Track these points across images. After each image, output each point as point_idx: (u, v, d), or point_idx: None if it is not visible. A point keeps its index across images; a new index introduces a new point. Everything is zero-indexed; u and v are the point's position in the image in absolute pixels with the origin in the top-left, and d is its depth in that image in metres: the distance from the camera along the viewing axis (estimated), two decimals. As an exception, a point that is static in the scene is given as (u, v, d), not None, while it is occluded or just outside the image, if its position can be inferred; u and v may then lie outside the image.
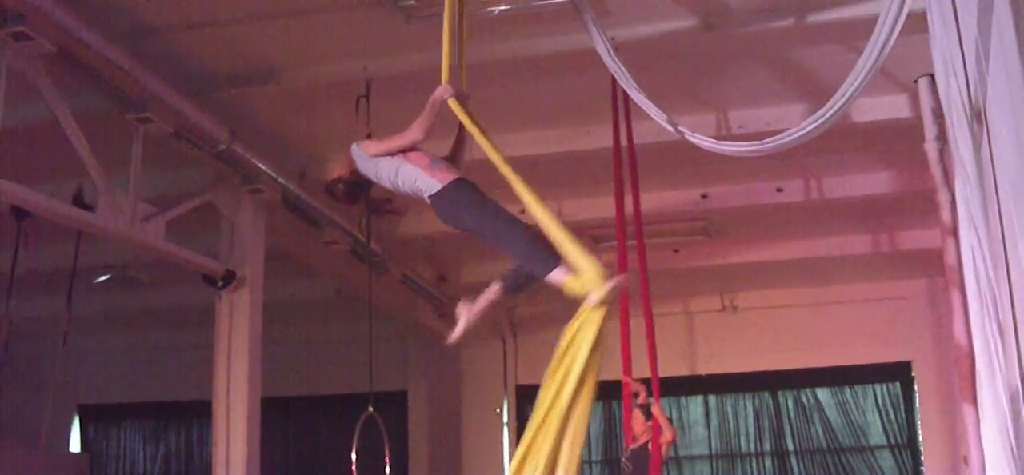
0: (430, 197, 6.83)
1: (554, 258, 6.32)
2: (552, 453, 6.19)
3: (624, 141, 10.95)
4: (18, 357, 14.70)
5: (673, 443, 11.72)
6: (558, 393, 6.19)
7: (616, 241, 11.37)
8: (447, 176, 6.80)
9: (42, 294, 15.90)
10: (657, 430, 11.23)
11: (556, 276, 6.30)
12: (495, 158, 6.72)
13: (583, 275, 6.13)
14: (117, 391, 21.28)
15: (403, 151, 6.98)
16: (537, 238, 6.46)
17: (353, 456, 11.49)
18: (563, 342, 6.24)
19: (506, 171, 6.62)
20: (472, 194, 6.79)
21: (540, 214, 6.39)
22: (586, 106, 11.54)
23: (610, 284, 6.07)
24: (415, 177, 6.86)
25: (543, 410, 6.22)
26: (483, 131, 6.92)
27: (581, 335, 6.16)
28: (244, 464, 12.36)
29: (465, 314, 7.03)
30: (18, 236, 11.95)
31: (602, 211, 11.79)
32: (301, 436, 20.99)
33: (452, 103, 7.06)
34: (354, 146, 7.17)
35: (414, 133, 7.00)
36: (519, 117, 11.89)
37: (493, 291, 7.01)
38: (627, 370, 11.26)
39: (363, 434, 11.62)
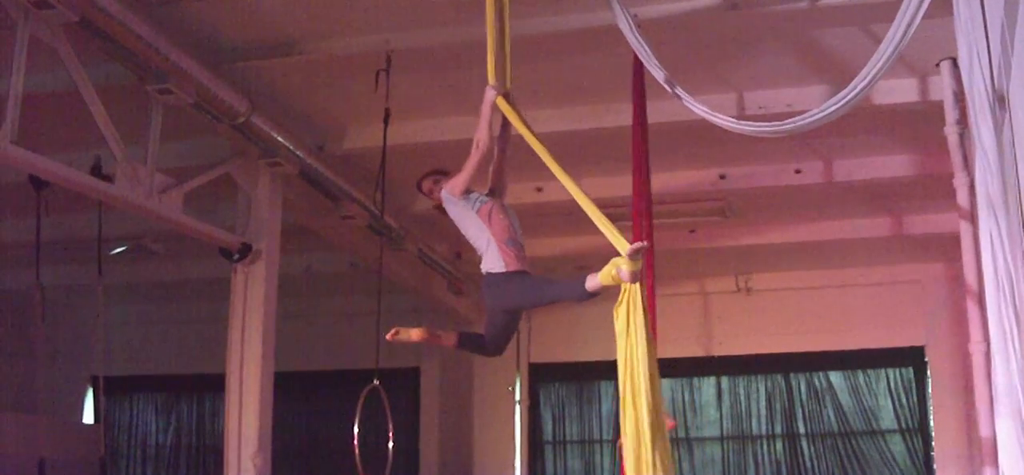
0: (487, 273, 7.25)
1: (580, 280, 6.78)
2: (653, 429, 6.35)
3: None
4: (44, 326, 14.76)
5: (673, 429, 11.67)
6: (634, 376, 6.38)
7: (632, 220, 11.38)
8: (514, 264, 7.19)
9: (57, 264, 15.95)
10: None
11: (591, 283, 6.68)
12: (541, 153, 7.07)
13: (613, 261, 6.46)
14: (131, 363, 21.30)
15: (488, 199, 7.39)
16: (561, 282, 7.31)
17: (355, 429, 11.49)
18: (619, 327, 6.44)
19: (551, 164, 7.02)
20: (524, 281, 7.23)
21: (581, 200, 6.92)
22: (606, 84, 11.53)
23: (633, 250, 6.37)
24: (487, 244, 7.27)
25: (631, 398, 6.41)
26: (530, 127, 7.07)
27: (633, 317, 6.37)
28: (257, 437, 12.38)
29: (416, 334, 7.92)
30: (38, 206, 11.99)
31: (615, 190, 11.77)
32: (314, 411, 21.02)
33: (500, 102, 7.15)
34: (444, 193, 7.45)
35: (481, 139, 7.28)
36: (539, 94, 11.87)
37: (449, 338, 8.18)
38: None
39: (371, 409, 11.62)
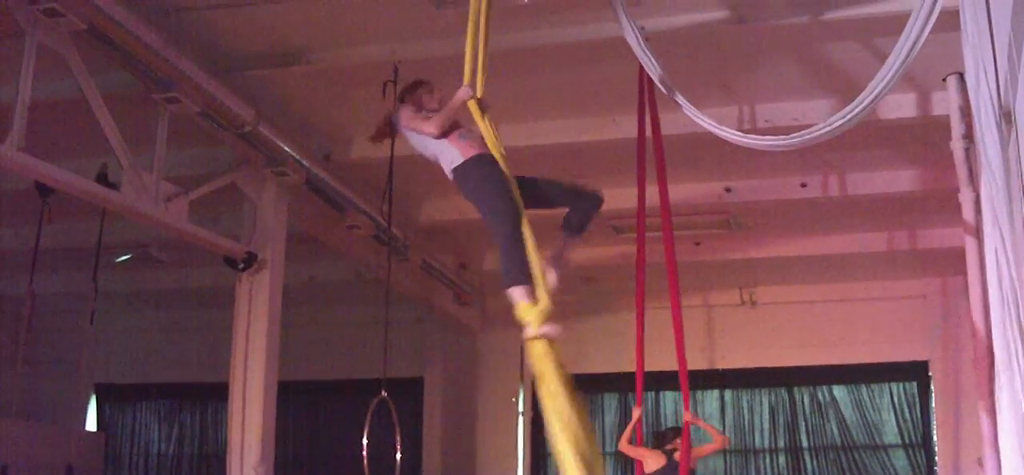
0: (452, 171, 7.13)
1: (523, 276, 6.58)
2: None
3: (650, 132, 10.98)
4: (37, 333, 14.76)
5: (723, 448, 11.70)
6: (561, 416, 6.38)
7: (636, 232, 11.43)
8: (472, 150, 7.06)
9: (62, 271, 15.98)
10: (687, 440, 11.26)
11: (514, 293, 6.60)
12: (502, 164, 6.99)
13: (533, 308, 6.50)
14: (134, 371, 21.32)
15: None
16: (520, 248, 6.69)
17: (364, 441, 11.48)
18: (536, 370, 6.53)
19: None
20: (484, 169, 7.01)
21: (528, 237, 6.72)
22: (613, 96, 11.54)
23: (541, 329, 6.44)
24: (441, 148, 7.18)
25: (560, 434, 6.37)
26: (497, 137, 7.04)
27: (539, 365, 6.47)
28: (259, 446, 12.37)
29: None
30: (42, 213, 12.00)
31: (625, 202, 11.77)
32: (317, 420, 21.03)
33: (471, 105, 7.14)
34: (400, 114, 7.50)
35: (430, 128, 7.25)
36: (546, 105, 11.90)
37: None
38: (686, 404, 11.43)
39: (376, 419, 11.63)
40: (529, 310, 6.52)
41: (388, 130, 7.72)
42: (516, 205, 6.85)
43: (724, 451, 19.66)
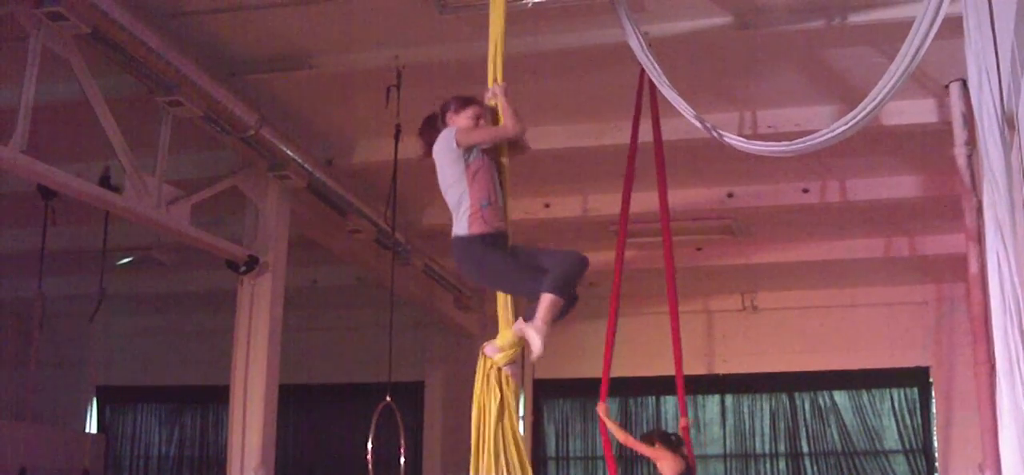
0: (455, 237, 6.87)
1: (532, 307, 6.66)
2: None
3: (649, 137, 10.99)
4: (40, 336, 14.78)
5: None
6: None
7: (618, 236, 11.43)
8: (480, 227, 6.74)
9: (63, 274, 15.99)
10: (690, 445, 11.24)
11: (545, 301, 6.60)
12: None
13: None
14: (135, 373, 21.33)
15: (483, 156, 6.89)
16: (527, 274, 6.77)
17: (369, 446, 11.48)
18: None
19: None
20: (485, 250, 6.79)
21: None
22: (615, 101, 11.52)
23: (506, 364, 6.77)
24: (463, 209, 6.82)
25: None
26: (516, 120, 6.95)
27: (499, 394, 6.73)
28: (260, 450, 12.37)
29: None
30: (45, 216, 12.00)
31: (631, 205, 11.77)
32: (318, 424, 21.03)
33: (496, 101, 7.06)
34: (454, 131, 6.90)
35: (515, 127, 6.96)
36: (549, 110, 11.89)
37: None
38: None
39: (379, 424, 11.62)
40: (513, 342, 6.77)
41: (433, 133, 7.33)
42: (511, 271, 6.84)
43: (725, 456, 19.73)
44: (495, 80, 7.11)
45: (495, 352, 6.78)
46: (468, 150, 6.81)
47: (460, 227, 6.77)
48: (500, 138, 6.94)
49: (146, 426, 22.40)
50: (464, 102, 7.08)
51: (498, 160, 6.98)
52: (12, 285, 17.14)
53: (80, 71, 9.48)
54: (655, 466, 11.24)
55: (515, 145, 7.03)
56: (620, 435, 11.76)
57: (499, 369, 6.76)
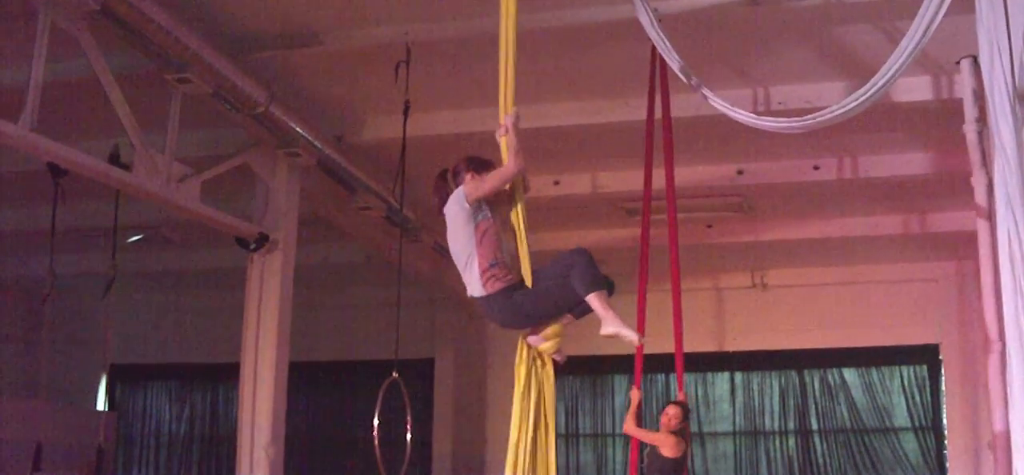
0: (472, 297, 7.01)
1: (582, 303, 6.91)
2: None
3: (661, 114, 10.97)
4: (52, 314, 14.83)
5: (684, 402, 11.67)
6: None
7: (642, 214, 11.42)
8: (495, 285, 6.87)
9: (73, 252, 16.01)
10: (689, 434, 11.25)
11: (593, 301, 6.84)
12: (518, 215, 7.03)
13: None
14: (145, 351, 21.38)
15: (490, 216, 7.02)
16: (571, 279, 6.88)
17: (375, 421, 11.49)
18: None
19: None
20: (508, 300, 6.92)
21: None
22: (625, 78, 11.51)
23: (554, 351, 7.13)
24: (469, 267, 6.97)
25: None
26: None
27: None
28: (270, 427, 12.41)
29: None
30: (55, 194, 12.01)
31: (638, 184, 11.73)
32: (328, 401, 21.09)
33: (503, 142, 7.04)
34: (464, 190, 6.99)
35: (520, 165, 6.97)
36: (558, 87, 11.88)
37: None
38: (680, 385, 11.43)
39: (387, 400, 11.64)
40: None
41: (446, 189, 7.36)
42: (543, 293, 6.95)
43: (734, 433, 19.75)
44: (506, 111, 7.04)
45: (540, 341, 7.02)
46: (477, 209, 6.95)
47: (474, 288, 6.94)
48: (505, 180, 6.97)
49: (157, 403, 22.53)
50: (478, 164, 7.19)
51: (510, 210, 7.08)
52: (23, 264, 17.19)
53: (89, 48, 9.48)
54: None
55: (517, 187, 7.05)
56: (628, 423, 11.74)
57: (539, 357, 7.08)
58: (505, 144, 6.99)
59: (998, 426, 9.29)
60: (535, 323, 7.02)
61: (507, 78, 7.08)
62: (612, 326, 6.82)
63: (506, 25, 7.12)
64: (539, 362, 7.09)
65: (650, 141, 11.13)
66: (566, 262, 6.87)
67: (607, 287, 6.89)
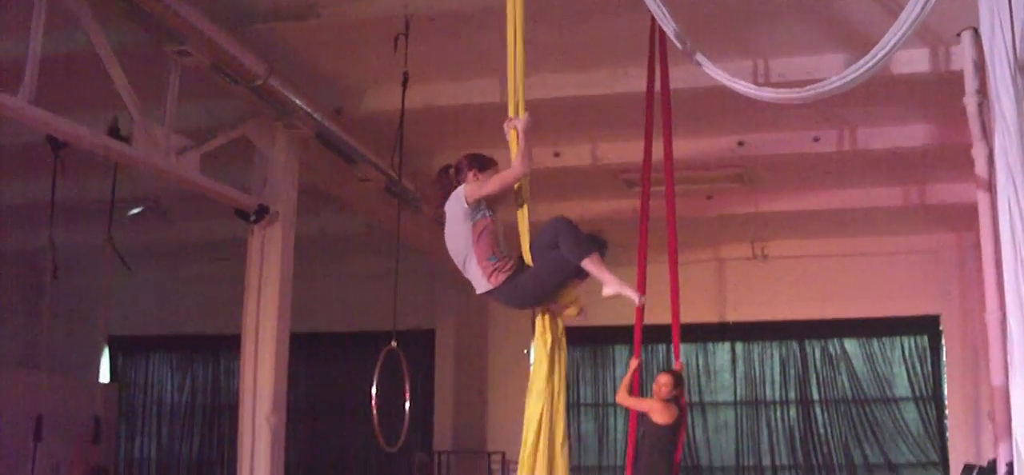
0: (480, 294, 7.06)
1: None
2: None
3: (660, 85, 10.94)
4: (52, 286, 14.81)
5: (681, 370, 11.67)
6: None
7: (642, 185, 11.40)
8: (499, 277, 6.88)
9: (73, 225, 16.01)
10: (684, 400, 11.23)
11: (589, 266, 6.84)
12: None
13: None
14: (147, 322, 21.40)
15: (489, 214, 7.01)
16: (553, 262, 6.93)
17: (373, 390, 11.53)
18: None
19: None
20: (515, 287, 6.93)
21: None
22: (626, 48, 11.48)
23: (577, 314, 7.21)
24: (469, 265, 7.00)
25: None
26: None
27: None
28: (271, 398, 12.44)
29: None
30: (55, 167, 12.01)
31: (637, 155, 11.71)
32: (329, 371, 21.12)
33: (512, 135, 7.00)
34: (465, 190, 6.95)
35: (526, 168, 6.94)
36: (558, 58, 11.85)
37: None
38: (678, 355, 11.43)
39: (387, 370, 11.66)
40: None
41: (449, 184, 7.33)
42: (551, 261, 6.93)
43: (735, 403, 19.81)
44: (517, 113, 7.03)
45: (561, 309, 7.11)
46: (476, 208, 6.93)
47: (480, 286, 6.97)
48: (508, 183, 6.94)
49: (158, 375, 22.58)
50: (480, 162, 7.16)
51: (516, 208, 7.07)
52: (23, 236, 17.19)
53: (87, 21, 9.47)
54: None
55: (524, 188, 7.05)
56: (621, 393, 11.74)
57: (559, 323, 7.16)
58: (514, 138, 6.98)
59: (998, 397, 9.31)
60: (548, 299, 7.03)
61: (516, 78, 7.10)
62: (613, 287, 6.86)
63: (513, 32, 7.15)
64: (555, 336, 7.13)
65: (650, 112, 11.10)
66: (549, 237, 6.87)
67: (599, 248, 6.90)
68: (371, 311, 14.97)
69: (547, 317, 7.10)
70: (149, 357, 22.55)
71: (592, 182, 15.58)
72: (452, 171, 7.23)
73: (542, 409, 6.96)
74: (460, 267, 7.07)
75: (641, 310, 10.68)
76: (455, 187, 7.09)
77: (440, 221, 7.27)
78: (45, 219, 13.24)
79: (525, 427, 7.00)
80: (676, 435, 11.03)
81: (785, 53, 11.79)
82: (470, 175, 7.03)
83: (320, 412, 21.00)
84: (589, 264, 6.75)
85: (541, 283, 6.94)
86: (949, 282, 18.60)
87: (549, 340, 7.07)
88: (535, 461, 6.93)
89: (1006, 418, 8.53)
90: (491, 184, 6.91)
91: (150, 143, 10.73)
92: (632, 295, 7.03)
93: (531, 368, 7.17)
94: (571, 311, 7.12)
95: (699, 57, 8.45)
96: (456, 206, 6.98)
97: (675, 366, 11.65)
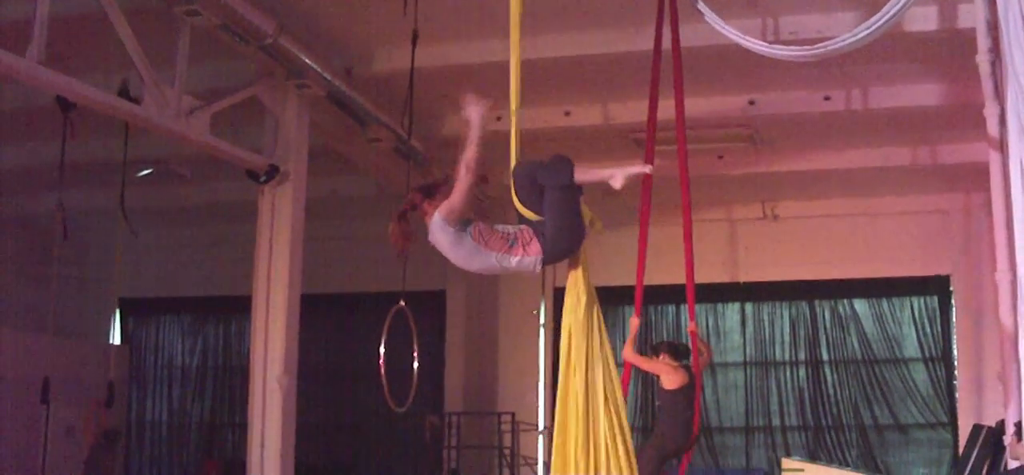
0: (535, 272, 6.83)
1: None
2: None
3: (670, 44, 10.88)
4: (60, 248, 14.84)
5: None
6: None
7: (646, 145, 11.34)
8: (535, 246, 6.68)
9: (83, 187, 16.03)
10: (696, 352, 11.11)
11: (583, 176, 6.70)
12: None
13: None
14: (157, 285, 21.43)
15: (476, 220, 6.78)
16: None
17: (381, 349, 11.55)
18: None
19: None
20: (550, 245, 6.72)
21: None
22: (636, 6, 11.44)
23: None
24: (502, 262, 6.72)
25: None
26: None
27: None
28: (283, 359, 12.49)
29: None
30: (65, 127, 12.01)
31: (646, 115, 11.67)
32: (339, 332, 21.13)
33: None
34: (440, 219, 6.67)
35: (476, 159, 6.61)
36: (565, 17, 11.81)
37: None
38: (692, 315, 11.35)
39: (396, 330, 11.67)
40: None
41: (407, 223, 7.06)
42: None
43: (745, 363, 19.80)
44: (515, 101, 7.04)
45: (589, 229, 6.96)
46: (460, 225, 6.67)
47: (529, 267, 6.75)
48: (471, 180, 6.61)
49: (169, 337, 22.59)
50: (428, 190, 6.93)
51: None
52: (33, 199, 17.20)
53: (97, -19, 9.47)
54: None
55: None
56: (627, 351, 11.69)
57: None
58: (471, 126, 6.65)
59: (1009, 357, 9.30)
60: (581, 227, 6.84)
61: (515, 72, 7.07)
62: (619, 176, 6.76)
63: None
64: (590, 293, 7.09)
65: (657, 69, 11.04)
66: (527, 181, 6.76)
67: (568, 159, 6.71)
68: (382, 272, 14.97)
69: (579, 271, 6.97)
70: (160, 319, 22.56)
71: (603, 142, 15.54)
72: (409, 212, 7.02)
73: (590, 379, 7.02)
74: (499, 273, 7.01)
75: (642, 273, 10.68)
76: (423, 219, 6.88)
77: (405, 257, 7.16)
78: (53, 182, 13.24)
79: (560, 407, 7.06)
80: (689, 400, 10.91)
81: (795, 11, 11.76)
82: (430, 206, 6.78)
83: (332, 373, 21.03)
84: (581, 173, 6.60)
85: (565, 218, 6.70)
86: (959, 242, 18.56)
87: (584, 298, 6.97)
88: (590, 447, 6.96)
89: (1016, 378, 8.53)
90: (457, 195, 6.59)
91: (160, 104, 10.73)
92: (640, 169, 7.04)
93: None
94: (597, 226, 6.99)
95: (710, 15, 8.43)
96: (444, 237, 6.73)
97: (689, 328, 11.60)
